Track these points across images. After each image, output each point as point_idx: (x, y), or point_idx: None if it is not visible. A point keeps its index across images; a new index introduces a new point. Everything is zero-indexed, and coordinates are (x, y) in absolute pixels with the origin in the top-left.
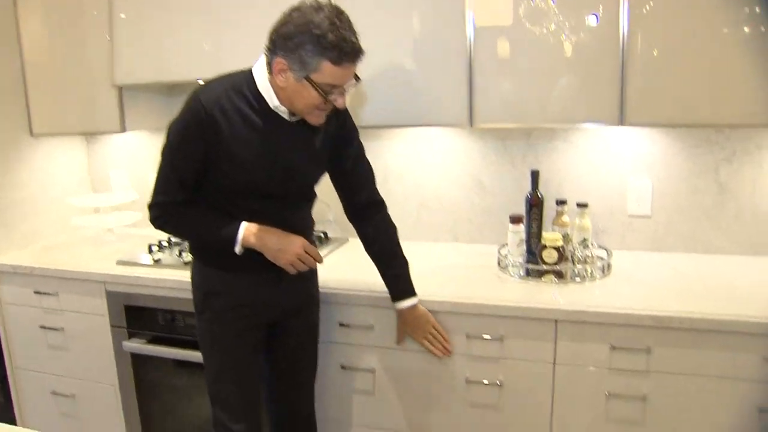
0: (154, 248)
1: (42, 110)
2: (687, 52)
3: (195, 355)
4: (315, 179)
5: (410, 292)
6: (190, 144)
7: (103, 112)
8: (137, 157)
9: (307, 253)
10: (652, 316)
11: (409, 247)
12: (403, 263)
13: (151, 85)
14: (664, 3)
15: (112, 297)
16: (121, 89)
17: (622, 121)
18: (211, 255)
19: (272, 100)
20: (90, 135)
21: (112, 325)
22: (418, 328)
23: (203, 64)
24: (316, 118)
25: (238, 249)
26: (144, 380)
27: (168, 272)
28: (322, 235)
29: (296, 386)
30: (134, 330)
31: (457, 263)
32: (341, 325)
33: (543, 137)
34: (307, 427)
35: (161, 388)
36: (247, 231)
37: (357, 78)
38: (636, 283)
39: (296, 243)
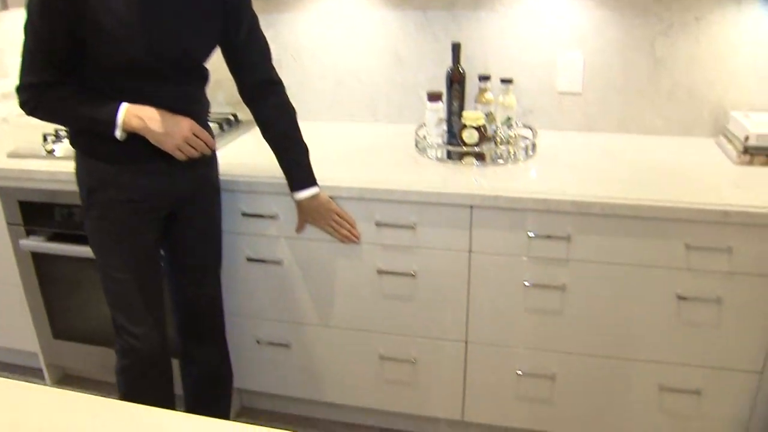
0: (50, 138)
1: None
2: None
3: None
4: (204, 53)
5: (309, 181)
6: (51, 16)
7: None
8: None
9: (196, 137)
10: (573, 202)
11: (324, 129)
12: (302, 150)
13: None
14: None
15: (4, 193)
16: None
17: None
18: (93, 145)
19: None
20: None
21: (8, 223)
22: (320, 218)
23: None
24: None
25: (118, 133)
26: (47, 278)
27: (62, 164)
28: (232, 118)
29: (200, 279)
30: (32, 227)
31: (373, 145)
32: (244, 215)
33: (467, 6)
34: (213, 320)
35: (66, 285)
36: (128, 113)
37: None
38: (561, 165)
39: (183, 125)
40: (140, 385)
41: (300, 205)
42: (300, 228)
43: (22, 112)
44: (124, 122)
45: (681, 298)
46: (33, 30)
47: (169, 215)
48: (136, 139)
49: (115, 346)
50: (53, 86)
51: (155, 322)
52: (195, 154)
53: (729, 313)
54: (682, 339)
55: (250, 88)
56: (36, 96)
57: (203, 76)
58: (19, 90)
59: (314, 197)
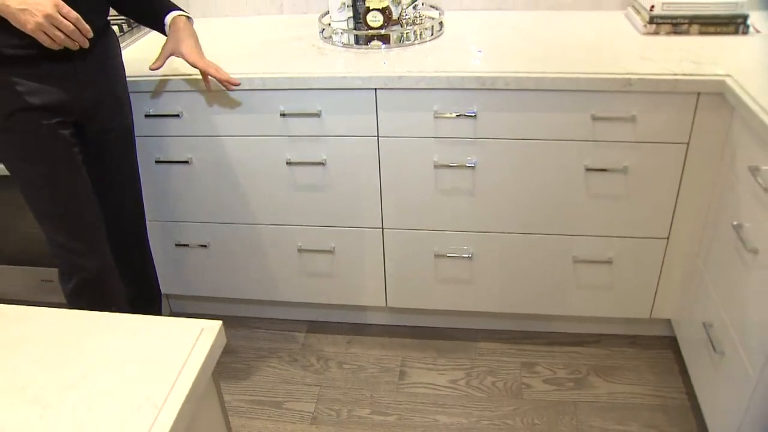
0: None
1: None
2: None
3: None
4: None
5: (176, 8)
6: None
7: None
8: None
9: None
10: (477, 78)
11: (230, 24)
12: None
13: None
14: None
15: None
16: None
17: None
18: None
19: None
20: None
21: None
22: (189, 40)
23: None
24: None
25: None
26: None
27: None
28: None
29: (119, 195)
30: None
31: (278, 37)
32: (147, 116)
33: None
34: (137, 235)
35: None
36: None
37: None
38: (468, 44)
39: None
40: (98, 304)
41: (169, 32)
42: (159, 63)
43: None
44: None
45: (589, 169)
46: None
47: (78, 130)
48: (23, 36)
49: (58, 269)
50: None
51: (99, 235)
52: (66, 41)
53: (636, 183)
54: (592, 210)
55: None
56: None
57: None
58: None
59: (186, 20)
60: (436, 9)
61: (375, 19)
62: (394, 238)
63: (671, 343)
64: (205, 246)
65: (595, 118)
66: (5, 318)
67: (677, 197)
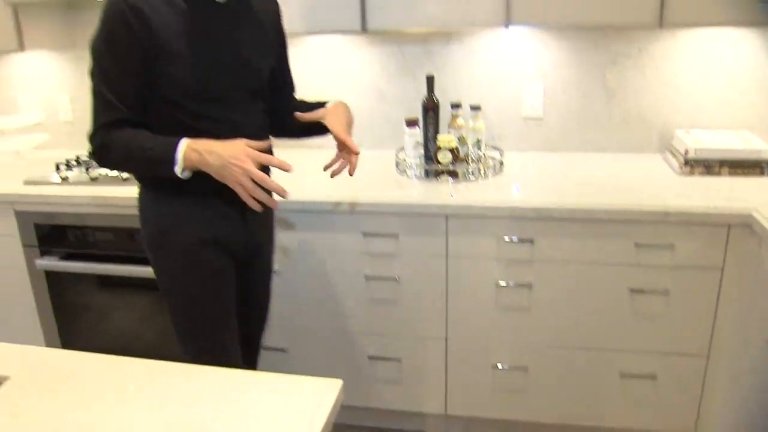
0: (62, 167)
1: None
2: None
3: (108, 269)
4: (267, 71)
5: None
6: (118, 46)
7: None
8: (42, 77)
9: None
10: (535, 209)
11: (310, 156)
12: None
13: (47, 1)
14: None
15: (21, 217)
16: (15, 6)
17: (508, 21)
18: (163, 180)
19: None
20: None
21: (23, 245)
22: (343, 117)
23: None
24: None
25: (178, 170)
26: (61, 298)
27: (76, 189)
28: None
29: (254, 316)
30: (46, 248)
31: (359, 168)
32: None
33: (439, 42)
34: (255, 349)
35: (79, 305)
36: (187, 147)
37: None
38: (525, 180)
39: (238, 149)
40: None
41: (326, 115)
42: (306, 117)
43: (36, 144)
44: (184, 158)
45: (633, 291)
46: (101, 67)
47: (234, 257)
48: (206, 175)
49: None
50: (121, 125)
51: (233, 353)
52: (262, 196)
53: (676, 303)
54: (636, 328)
55: (285, 101)
56: (106, 138)
57: (265, 95)
58: (92, 136)
59: (343, 102)
60: (497, 149)
61: (445, 157)
62: (456, 349)
63: None
64: (283, 350)
65: (637, 245)
66: (152, 372)
67: (715, 317)
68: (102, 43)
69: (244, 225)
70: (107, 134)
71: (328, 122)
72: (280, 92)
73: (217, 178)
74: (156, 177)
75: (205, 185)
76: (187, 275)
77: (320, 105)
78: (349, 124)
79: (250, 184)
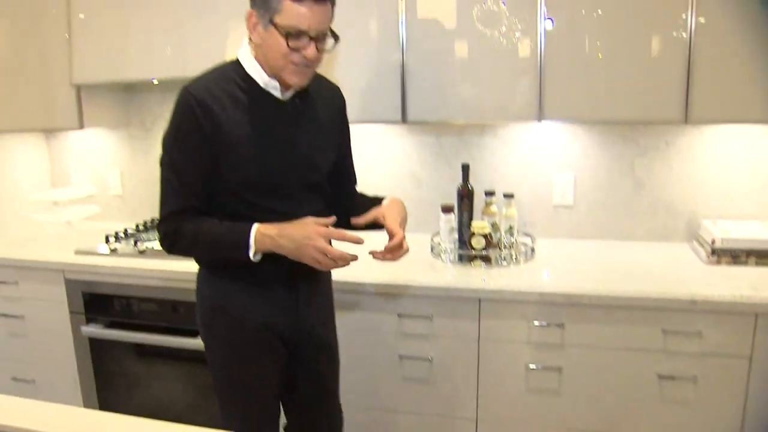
0: (111, 239)
1: (2, 108)
2: (600, 61)
3: (150, 339)
4: (327, 166)
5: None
6: (187, 139)
7: (61, 109)
8: (96, 153)
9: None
10: (564, 294)
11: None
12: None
13: (108, 84)
14: (578, 13)
15: (70, 284)
16: (79, 88)
17: (541, 116)
18: (221, 263)
19: (261, 76)
20: (49, 132)
21: (70, 312)
22: (398, 214)
23: (160, 63)
24: (293, 75)
25: (252, 254)
26: (102, 364)
27: (124, 261)
28: None
29: (320, 403)
30: (92, 316)
31: None
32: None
33: (474, 133)
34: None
35: (119, 372)
36: (258, 232)
37: (334, 35)
38: (555, 266)
39: (309, 228)
40: None
41: (385, 210)
42: (362, 220)
43: (87, 216)
44: (256, 241)
45: (662, 377)
46: (171, 158)
47: (291, 350)
48: (264, 261)
49: None
50: (191, 213)
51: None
52: (335, 265)
53: (705, 390)
54: (665, 414)
55: (345, 192)
56: (176, 225)
57: (327, 192)
58: (161, 224)
59: (399, 198)
60: (529, 236)
61: (478, 243)
62: (486, 430)
63: None
64: None
65: (665, 332)
66: None
67: (745, 406)
68: (172, 134)
69: (296, 310)
70: (175, 222)
71: (384, 219)
72: (341, 184)
73: (293, 258)
74: (220, 260)
75: (261, 270)
76: (232, 355)
77: (378, 200)
78: (403, 221)
79: (326, 261)
